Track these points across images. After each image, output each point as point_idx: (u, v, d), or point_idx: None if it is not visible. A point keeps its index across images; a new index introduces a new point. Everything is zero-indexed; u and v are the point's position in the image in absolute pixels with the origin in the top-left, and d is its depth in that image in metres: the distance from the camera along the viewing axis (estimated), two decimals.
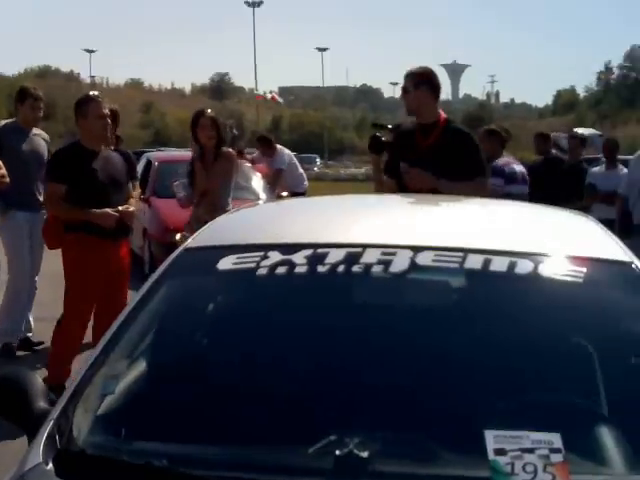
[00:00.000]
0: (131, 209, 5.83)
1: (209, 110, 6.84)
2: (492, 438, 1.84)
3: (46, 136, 7.29)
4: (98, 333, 5.70)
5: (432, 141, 5.21)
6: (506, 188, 6.72)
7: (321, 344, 2.35)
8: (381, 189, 5.59)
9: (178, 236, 6.66)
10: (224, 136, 6.94)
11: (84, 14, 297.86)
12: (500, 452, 1.82)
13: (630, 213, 7.25)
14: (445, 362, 2.25)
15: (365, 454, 1.87)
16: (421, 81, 5.31)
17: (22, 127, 7.00)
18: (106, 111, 5.65)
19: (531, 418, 1.97)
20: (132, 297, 2.67)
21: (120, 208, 5.72)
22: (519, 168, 7.13)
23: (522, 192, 6.86)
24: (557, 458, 1.80)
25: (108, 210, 5.63)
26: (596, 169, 8.64)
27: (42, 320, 7.04)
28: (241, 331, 2.47)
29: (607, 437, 2.05)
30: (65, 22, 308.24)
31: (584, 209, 6.12)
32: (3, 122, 7.26)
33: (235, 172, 6.90)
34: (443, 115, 5.37)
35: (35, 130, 7.13)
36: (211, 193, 6.58)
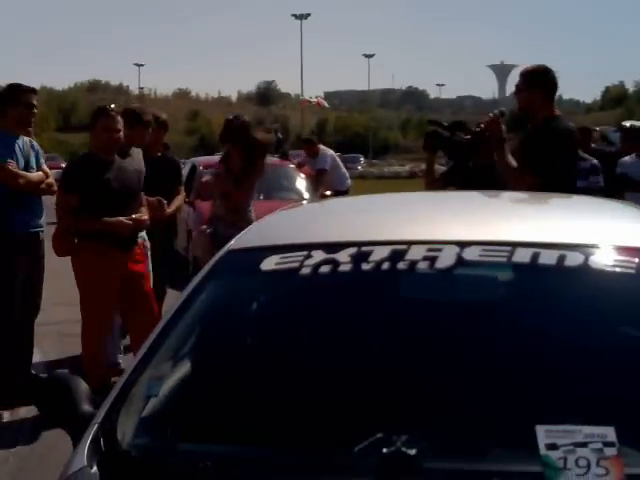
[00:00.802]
0: (144, 217, 5.84)
1: (246, 116, 6.95)
2: (544, 433, 1.79)
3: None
4: (134, 341, 5.80)
5: (532, 135, 5.19)
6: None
7: (367, 342, 2.32)
8: (431, 188, 5.57)
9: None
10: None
11: (133, 29, 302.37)
12: (552, 447, 1.77)
13: None
14: (494, 357, 2.20)
15: (413, 452, 1.83)
16: (534, 82, 5.23)
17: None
18: (119, 125, 5.65)
19: (584, 412, 1.92)
20: (176, 299, 2.66)
21: (134, 216, 5.72)
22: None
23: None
24: (611, 452, 1.75)
25: (122, 219, 5.63)
26: (627, 158, 8.48)
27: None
28: (286, 331, 2.45)
29: None
30: (114, 37, 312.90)
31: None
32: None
33: (260, 179, 6.95)
34: (553, 113, 5.25)
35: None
36: (235, 199, 6.64)
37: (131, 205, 5.76)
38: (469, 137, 5.62)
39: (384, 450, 1.84)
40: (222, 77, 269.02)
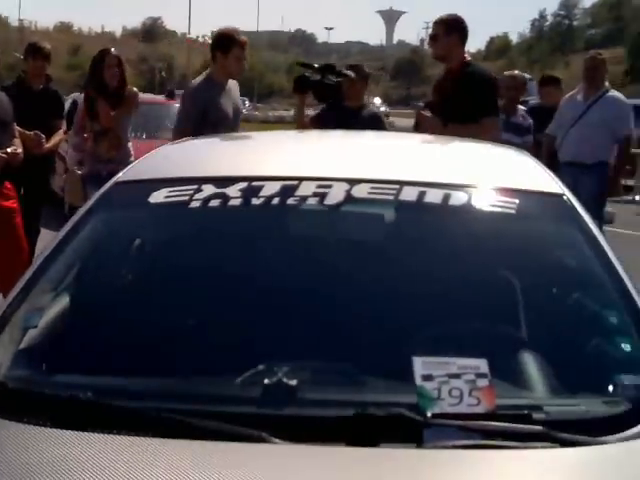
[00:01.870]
0: (19, 150, 5.50)
1: (113, 49, 6.75)
2: (420, 364, 1.85)
3: None
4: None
5: (451, 84, 5.40)
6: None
7: (253, 276, 2.33)
8: (303, 129, 5.65)
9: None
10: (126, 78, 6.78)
11: None
12: (427, 378, 1.82)
13: (556, 152, 7.37)
14: (374, 292, 2.26)
15: (293, 382, 1.87)
16: (453, 28, 5.48)
17: None
18: None
19: (459, 346, 1.98)
20: (50, 239, 2.58)
21: (9, 150, 5.36)
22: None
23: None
24: (483, 383, 1.82)
25: None
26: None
27: None
28: (172, 264, 2.44)
29: (530, 364, 2.08)
30: None
31: None
32: None
33: (135, 111, 6.89)
34: (467, 58, 5.56)
35: None
36: (115, 131, 6.50)
37: (3, 136, 5.49)
38: (339, 80, 5.68)
39: (265, 381, 1.87)
40: (106, 11, 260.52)
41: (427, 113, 5.48)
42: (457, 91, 5.31)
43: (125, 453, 1.66)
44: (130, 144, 6.61)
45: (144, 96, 9.56)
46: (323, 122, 5.90)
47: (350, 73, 6.07)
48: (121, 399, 1.84)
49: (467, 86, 5.29)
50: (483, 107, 5.25)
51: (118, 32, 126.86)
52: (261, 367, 1.92)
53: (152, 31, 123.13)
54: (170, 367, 2.04)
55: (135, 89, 6.91)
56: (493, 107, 5.42)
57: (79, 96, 13.04)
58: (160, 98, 11.74)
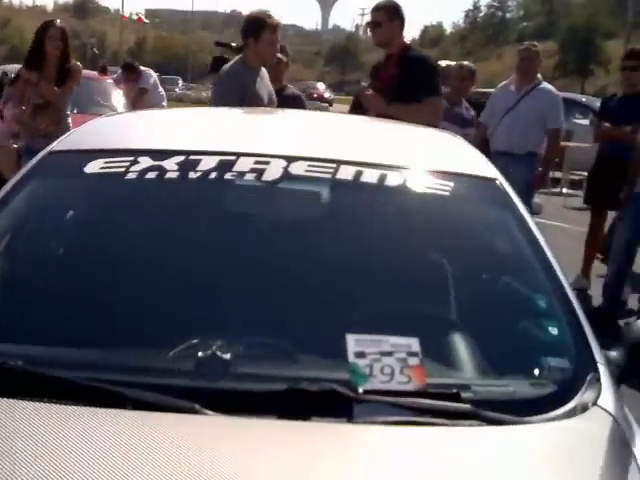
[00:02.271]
0: None
1: (59, 21, 6.63)
2: (353, 342, 1.87)
3: None
4: None
5: (393, 69, 5.42)
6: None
7: (188, 249, 2.33)
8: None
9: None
10: (70, 52, 6.66)
11: None
12: (360, 355, 1.85)
13: (488, 141, 7.46)
14: (311, 269, 2.28)
15: (227, 356, 1.88)
16: (395, 14, 5.52)
17: None
18: None
19: (391, 325, 2.00)
20: None
21: None
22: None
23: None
24: (414, 361, 1.85)
25: None
26: None
27: None
28: (106, 235, 2.42)
29: (460, 345, 2.13)
30: None
31: None
32: None
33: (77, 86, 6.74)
34: (405, 43, 5.63)
35: None
36: (56, 106, 6.40)
37: None
38: None
39: (199, 354, 1.88)
40: None
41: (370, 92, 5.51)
42: (400, 75, 5.35)
43: (55, 422, 1.65)
44: (70, 119, 6.48)
45: None
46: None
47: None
48: (53, 368, 1.82)
49: (409, 69, 5.34)
50: (425, 88, 5.32)
51: (50, 6, 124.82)
52: (195, 340, 1.93)
53: (84, 7, 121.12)
54: (103, 339, 2.03)
55: (79, 64, 6.79)
56: (435, 88, 5.46)
57: (9, 68, 12.84)
58: (93, 74, 11.57)
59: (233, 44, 5.86)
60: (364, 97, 5.52)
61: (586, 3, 71.95)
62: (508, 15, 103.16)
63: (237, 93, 5.08)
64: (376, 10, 5.62)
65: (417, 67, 5.39)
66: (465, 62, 7.89)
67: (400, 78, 5.34)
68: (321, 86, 57.73)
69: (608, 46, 54.21)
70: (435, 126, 4.35)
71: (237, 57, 5.58)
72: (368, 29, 5.83)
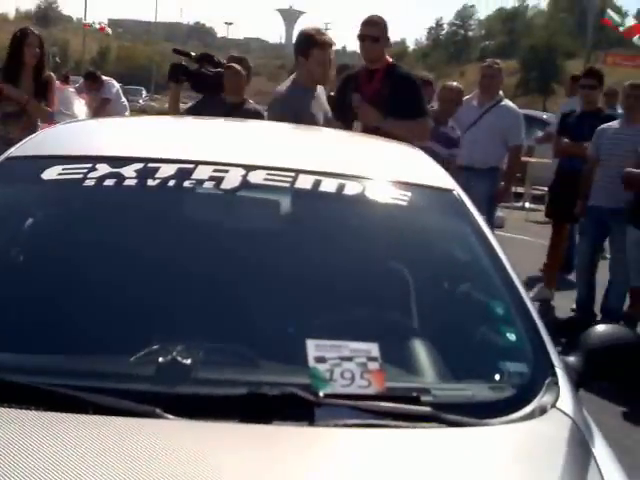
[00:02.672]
0: None
1: (33, 29, 6.57)
2: (313, 347, 1.89)
3: None
4: None
5: (379, 85, 5.30)
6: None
7: (147, 256, 2.33)
8: None
9: None
10: (45, 59, 6.64)
11: None
12: (320, 360, 1.87)
13: None
14: (271, 276, 2.28)
15: (188, 361, 1.88)
16: (387, 30, 5.42)
17: None
18: None
19: (351, 331, 2.02)
20: None
21: None
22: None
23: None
24: (374, 366, 1.87)
25: None
26: None
27: None
28: (63, 241, 2.41)
29: (420, 350, 2.16)
30: None
31: None
32: None
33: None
34: (389, 60, 5.46)
35: None
36: (30, 115, 6.32)
37: None
38: (218, 70, 5.58)
39: (160, 359, 1.88)
40: None
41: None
42: (387, 92, 5.26)
43: (15, 426, 1.65)
44: (40, 128, 6.38)
45: None
46: (202, 113, 5.50)
47: (237, 66, 5.89)
48: (13, 374, 1.82)
49: (396, 86, 5.26)
50: (415, 108, 5.28)
51: (11, 14, 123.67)
52: (156, 346, 1.93)
53: (46, 15, 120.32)
54: (64, 345, 2.03)
55: (51, 73, 6.70)
56: (424, 108, 5.46)
57: None
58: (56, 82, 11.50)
59: (192, 53, 5.81)
60: (360, 108, 5.25)
61: (546, 23, 72.85)
62: (470, 33, 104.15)
63: (291, 118, 4.49)
64: (373, 24, 5.45)
65: (405, 85, 5.30)
66: (454, 83, 7.72)
67: (387, 95, 5.23)
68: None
69: (569, 65, 54.80)
70: (423, 146, 4.30)
71: (291, 76, 5.35)
72: (360, 42, 5.46)
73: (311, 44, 5.11)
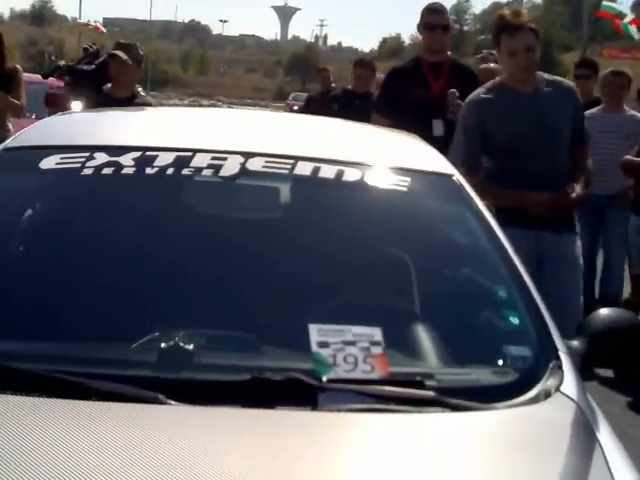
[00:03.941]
0: None
1: None
2: (316, 331, 1.88)
3: None
4: None
5: (445, 80, 5.07)
6: None
7: (147, 244, 2.32)
8: None
9: None
10: (6, 54, 6.51)
11: None
12: (323, 345, 1.86)
13: None
14: (272, 262, 2.27)
15: (190, 347, 1.87)
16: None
17: None
18: None
19: (354, 317, 2.01)
20: None
21: None
22: None
23: None
24: (377, 350, 1.86)
25: None
26: None
27: None
28: (63, 230, 2.40)
29: (424, 335, 2.14)
30: None
31: None
32: None
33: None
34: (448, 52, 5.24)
35: None
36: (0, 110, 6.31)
37: None
38: (99, 62, 5.34)
39: (162, 345, 1.88)
40: None
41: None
42: (457, 87, 4.96)
43: (19, 413, 1.64)
44: (10, 124, 6.37)
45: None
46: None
47: (121, 54, 5.34)
48: (17, 361, 1.81)
49: (465, 82, 4.92)
50: None
51: (6, 14, 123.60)
52: (158, 332, 1.92)
53: (42, 15, 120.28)
54: (67, 332, 2.02)
55: (18, 66, 6.65)
56: None
57: None
58: (36, 77, 11.38)
59: (61, 62, 5.64)
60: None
61: (542, 15, 72.80)
62: (466, 28, 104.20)
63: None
64: (441, 12, 5.15)
65: (472, 81, 4.92)
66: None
67: (458, 87, 4.93)
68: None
69: (565, 58, 54.82)
70: None
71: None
72: (427, 32, 5.08)
73: (500, 29, 4.14)
